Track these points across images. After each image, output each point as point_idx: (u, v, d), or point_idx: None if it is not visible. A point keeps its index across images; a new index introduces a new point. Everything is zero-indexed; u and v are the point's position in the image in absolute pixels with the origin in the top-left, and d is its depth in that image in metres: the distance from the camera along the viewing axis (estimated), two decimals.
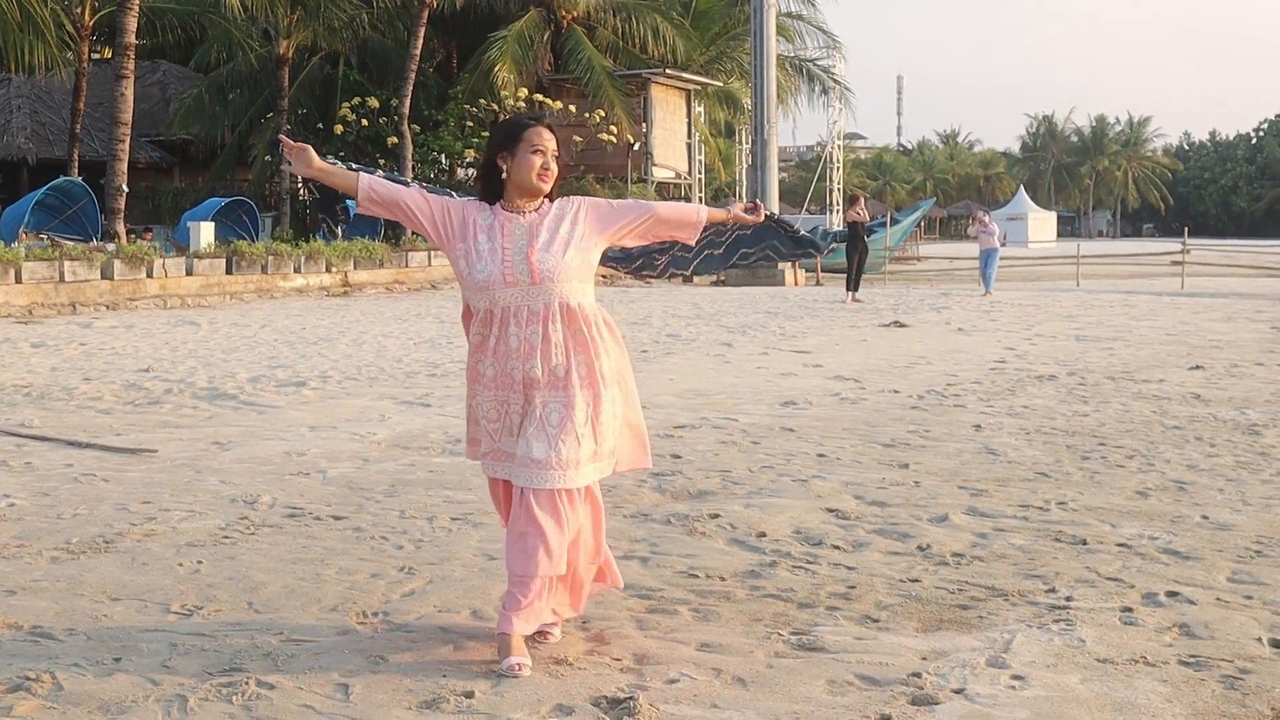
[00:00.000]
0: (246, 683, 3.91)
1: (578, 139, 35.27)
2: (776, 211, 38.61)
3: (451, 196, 4.41)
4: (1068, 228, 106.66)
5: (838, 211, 52.65)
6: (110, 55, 30.52)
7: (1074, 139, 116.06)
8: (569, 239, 4.24)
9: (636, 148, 36.40)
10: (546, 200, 4.31)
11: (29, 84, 35.18)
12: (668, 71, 37.50)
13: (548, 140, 4.27)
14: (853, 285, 24.90)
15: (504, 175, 4.26)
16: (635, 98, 36.78)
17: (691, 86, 39.85)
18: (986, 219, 27.75)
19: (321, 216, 33.08)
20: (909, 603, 4.84)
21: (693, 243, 4.60)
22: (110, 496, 6.75)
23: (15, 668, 4.03)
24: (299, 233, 31.58)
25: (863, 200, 26.57)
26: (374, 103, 34.38)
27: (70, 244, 22.74)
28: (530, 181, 4.23)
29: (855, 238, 25.43)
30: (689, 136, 40.68)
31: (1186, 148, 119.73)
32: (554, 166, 4.27)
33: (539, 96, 35.28)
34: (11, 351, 14.17)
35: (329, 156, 4.57)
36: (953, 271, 37.61)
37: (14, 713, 3.66)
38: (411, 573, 5.25)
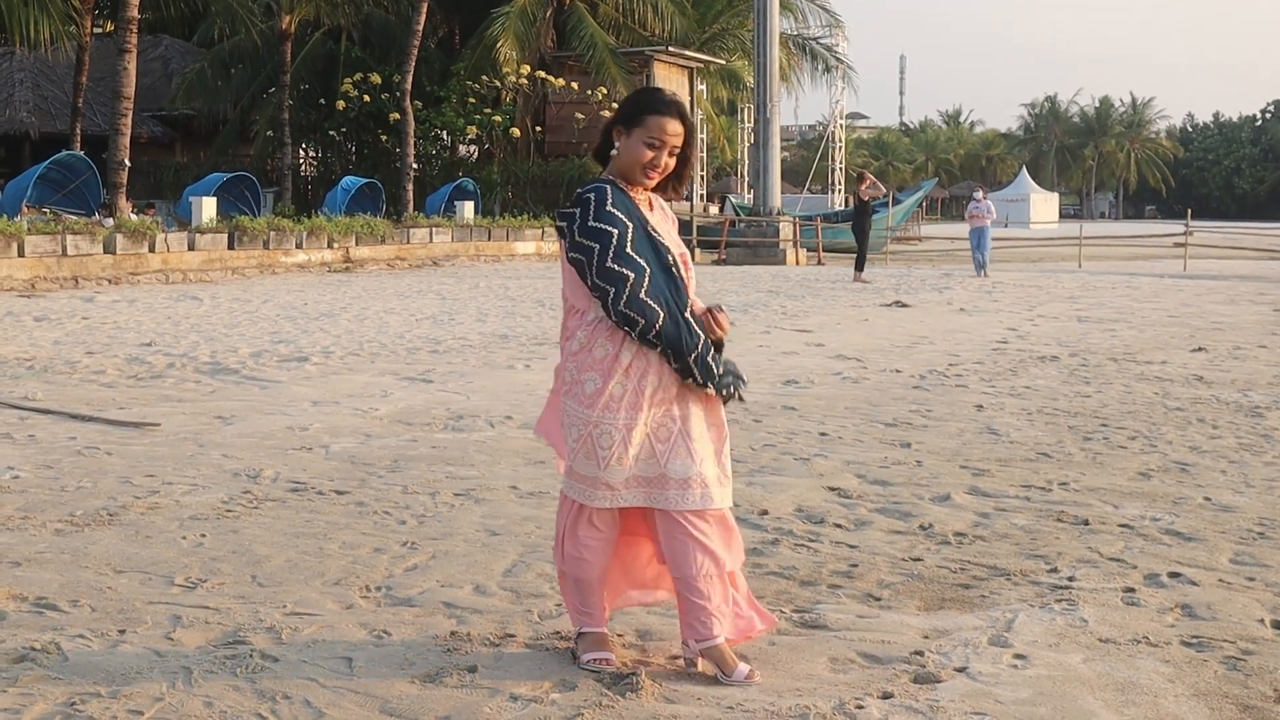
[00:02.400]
0: (250, 655, 3.92)
1: (580, 116, 35.19)
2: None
3: (627, 249, 3.74)
4: (1071, 208, 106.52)
5: (839, 191, 52.57)
6: (113, 29, 30.43)
7: (1077, 120, 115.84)
8: None
9: None
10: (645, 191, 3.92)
11: (32, 58, 35.13)
12: (670, 49, 37.40)
13: (670, 134, 3.79)
14: (860, 264, 24.79)
15: (614, 151, 3.86)
16: (638, 75, 36.68)
17: (694, 64, 39.74)
18: (980, 196, 27.42)
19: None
20: (911, 581, 4.85)
21: None
22: (113, 470, 6.75)
23: (20, 638, 4.04)
24: (300, 208, 31.56)
25: (868, 176, 26.46)
26: (376, 79, 34.32)
27: (72, 218, 22.73)
28: (634, 174, 3.82)
29: (862, 215, 25.34)
30: (691, 114, 40.57)
31: (1190, 130, 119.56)
32: (666, 162, 3.81)
33: (541, 73, 35.21)
34: (14, 325, 14.17)
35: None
36: (954, 252, 37.56)
37: (20, 683, 3.66)
38: (414, 547, 5.26)
